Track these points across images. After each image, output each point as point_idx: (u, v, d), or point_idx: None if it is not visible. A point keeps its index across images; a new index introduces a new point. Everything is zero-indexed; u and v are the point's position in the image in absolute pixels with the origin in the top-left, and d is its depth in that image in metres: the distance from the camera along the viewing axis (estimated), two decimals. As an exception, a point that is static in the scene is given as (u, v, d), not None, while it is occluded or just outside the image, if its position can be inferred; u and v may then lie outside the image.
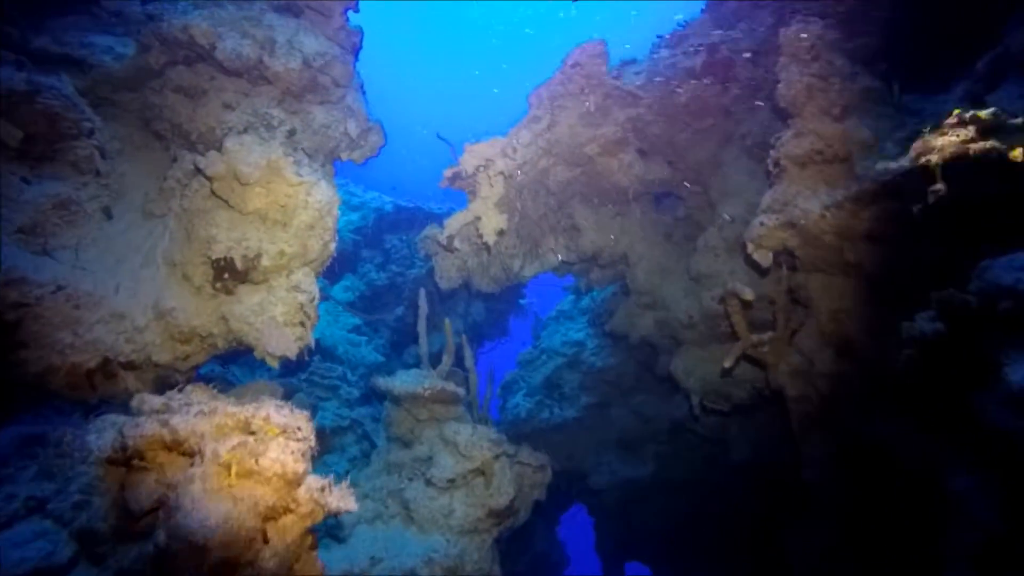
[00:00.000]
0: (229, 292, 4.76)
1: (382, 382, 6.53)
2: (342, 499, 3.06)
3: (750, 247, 5.50)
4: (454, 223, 6.99)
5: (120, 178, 5.33)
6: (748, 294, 5.43)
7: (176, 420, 3.05)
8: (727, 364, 5.78)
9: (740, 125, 7.32)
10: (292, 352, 4.71)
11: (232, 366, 9.32)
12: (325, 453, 8.51)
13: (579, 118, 7.01)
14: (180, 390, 3.77)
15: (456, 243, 7.11)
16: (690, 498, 10.18)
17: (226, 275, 4.64)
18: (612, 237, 8.13)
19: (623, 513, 10.86)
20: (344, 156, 6.41)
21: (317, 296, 4.95)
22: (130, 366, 4.63)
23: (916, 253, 4.51)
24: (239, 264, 4.61)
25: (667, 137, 7.50)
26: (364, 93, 6.80)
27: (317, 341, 10.94)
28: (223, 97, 5.40)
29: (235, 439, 2.80)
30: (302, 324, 4.79)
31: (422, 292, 7.02)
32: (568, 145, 7.11)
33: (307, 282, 4.89)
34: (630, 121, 7.14)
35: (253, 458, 2.71)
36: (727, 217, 7.30)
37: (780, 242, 5.28)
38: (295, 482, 2.81)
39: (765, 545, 8.60)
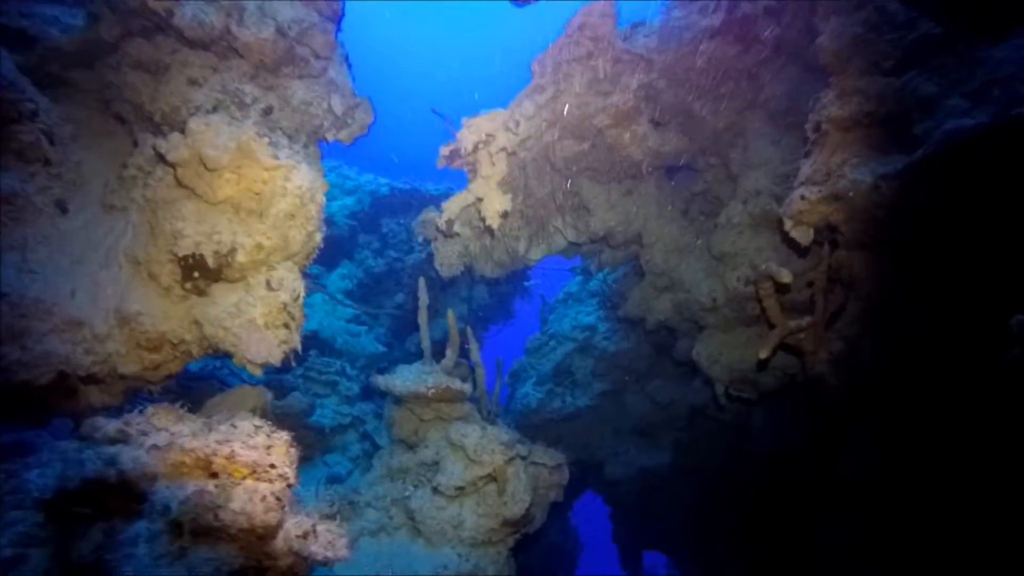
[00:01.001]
0: (201, 293, 4.19)
1: (382, 381, 5.99)
2: (330, 546, 2.53)
3: (788, 223, 4.90)
4: (453, 205, 6.40)
5: (76, 167, 4.73)
6: (785, 276, 4.85)
7: (124, 458, 2.51)
8: (763, 355, 5.21)
9: (763, 89, 6.67)
10: (275, 358, 4.16)
11: (229, 360, 8.82)
12: (326, 452, 8.04)
13: (587, 86, 6.36)
14: (141, 411, 3.23)
15: (456, 227, 6.52)
16: (710, 487, 9.70)
17: (196, 274, 4.07)
18: (624, 215, 7.53)
19: (640, 503, 10.41)
20: (330, 136, 5.79)
21: (302, 293, 4.38)
22: (92, 380, 4.08)
23: (991, 232, 3.91)
24: (210, 261, 4.04)
25: (682, 105, 6.86)
26: (350, 66, 6.16)
27: (314, 333, 10.44)
28: (188, 72, 4.78)
29: (191, 486, 2.26)
30: (286, 326, 4.23)
31: (421, 281, 6.45)
32: (575, 116, 6.48)
33: (290, 278, 4.31)
34: (642, 88, 6.50)
35: (211, 512, 2.16)
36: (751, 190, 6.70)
37: (823, 217, 4.67)
38: (268, 535, 2.28)
39: (789, 539, 8.17)
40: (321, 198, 4.52)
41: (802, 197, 4.66)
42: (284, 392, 7.64)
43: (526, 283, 12.97)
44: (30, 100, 4.29)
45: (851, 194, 4.34)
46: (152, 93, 4.80)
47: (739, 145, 7.00)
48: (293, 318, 4.26)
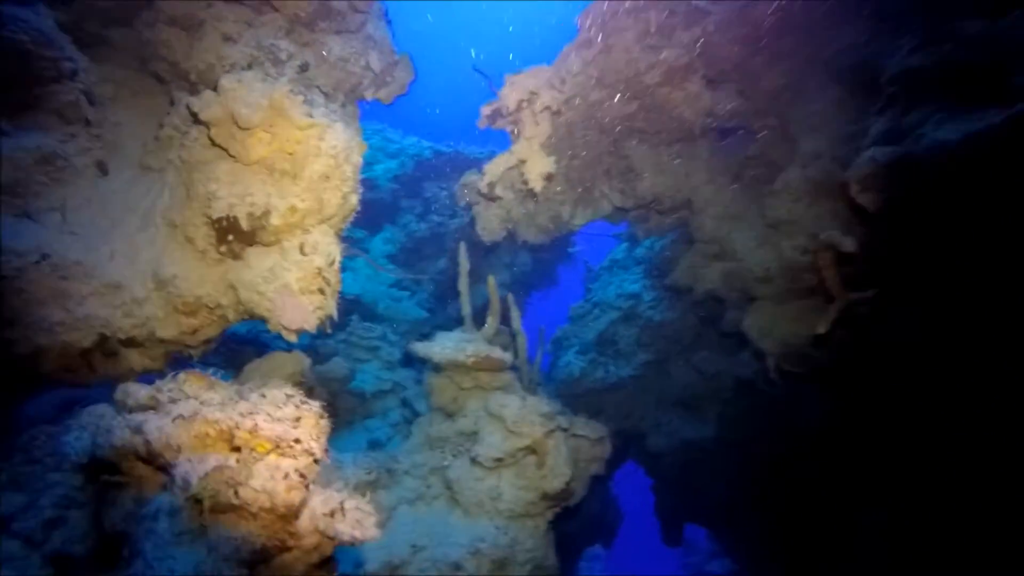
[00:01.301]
0: (236, 256, 4.12)
1: (421, 348, 5.90)
2: (358, 525, 2.41)
3: (854, 188, 4.49)
4: (495, 168, 6.16)
5: (115, 128, 4.69)
6: (848, 245, 4.48)
7: (150, 427, 2.44)
8: (821, 329, 4.88)
9: (829, 44, 6.14)
10: (311, 324, 4.07)
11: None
12: (367, 417, 8.08)
13: (637, 40, 5.97)
14: (174, 377, 3.18)
15: (498, 190, 6.29)
16: (754, 462, 9.42)
17: (230, 237, 3.99)
18: (674, 180, 7.15)
19: (682, 475, 10.21)
20: (369, 95, 5.60)
21: (338, 258, 4.26)
22: (131, 343, 4.08)
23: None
24: (244, 224, 3.94)
25: (738, 61, 6.39)
26: (390, 22, 5.93)
27: (357, 297, 10.46)
28: (222, 28, 4.63)
29: (212, 461, 2.17)
30: (321, 291, 4.12)
31: (462, 246, 6.28)
32: (624, 73, 6.11)
33: (325, 242, 4.19)
34: (697, 43, 6.06)
35: (231, 489, 2.07)
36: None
37: (896, 182, 4.25)
38: (291, 515, 2.18)
39: (829, 517, 7.91)
40: (358, 159, 4.35)
41: (873, 159, 4.24)
42: (326, 357, 7.67)
43: (570, 249, 12.70)
44: (70, 59, 4.23)
45: (932, 155, 3.90)
46: (187, 50, 4.69)
47: (799, 105, 6.50)
48: (329, 283, 4.15)
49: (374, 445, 7.23)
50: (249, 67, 4.63)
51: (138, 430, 2.44)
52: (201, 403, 2.75)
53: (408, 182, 12.37)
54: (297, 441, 2.32)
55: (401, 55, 5.82)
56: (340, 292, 10.11)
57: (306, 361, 5.14)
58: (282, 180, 4.06)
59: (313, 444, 2.51)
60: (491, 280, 6.28)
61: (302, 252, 4.08)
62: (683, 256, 7.87)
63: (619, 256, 11.26)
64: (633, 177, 7.29)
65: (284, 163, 4.02)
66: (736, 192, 7.27)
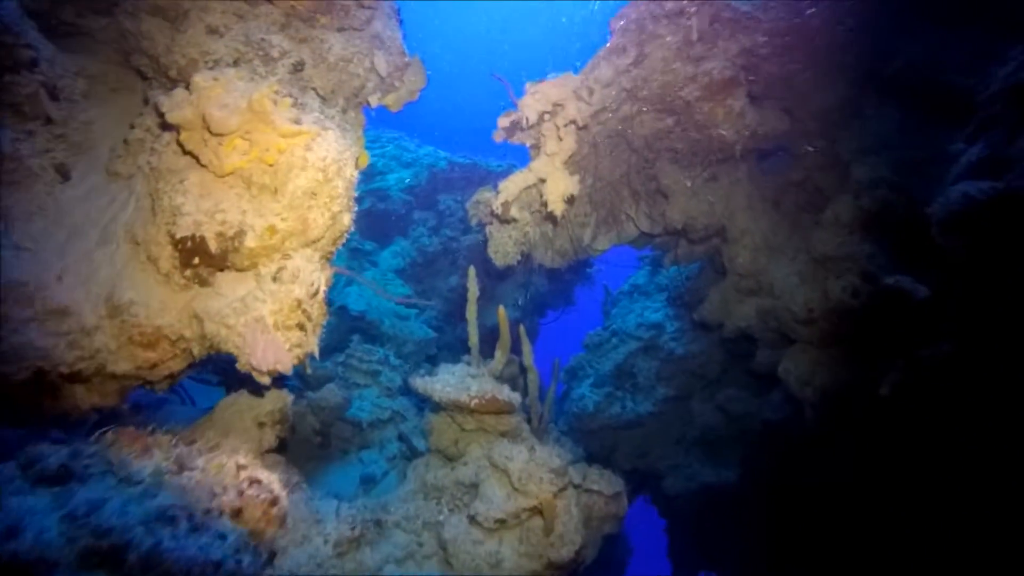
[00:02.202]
0: (204, 283, 3.53)
1: (421, 384, 5.27)
2: None
3: (938, 229, 3.81)
4: (511, 186, 5.54)
5: (85, 128, 4.14)
6: (921, 293, 3.79)
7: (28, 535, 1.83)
8: (884, 391, 4.19)
9: (891, 58, 5.49)
10: (286, 365, 3.46)
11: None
12: (363, 448, 7.47)
13: (676, 50, 5.35)
14: (100, 436, 2.59)
15: (513, 211, 5.67)
16: (781, 514, 8.67)
17: (196, 260, 3.40)
18: (707, 205, 6.49)
19: (700, 521, 9.48)
20: (374, 101, 5.03)
21: (323, 288, 3.66)
22: (77, 378, 3.50)
23: None
24: (212, 245, 3.35)
25: (785, 76, 5.75)
26: (402, 22, 5.37)
27: (361, 314, 9.89)
28: (208, 19, 4.08)
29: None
30: (300, 327, 3.51)
31: (471, 272, 5.66)
32: (660, 85, 5.48)
33: (308, 269, 3.59)
34: (743, 54, 5.43)
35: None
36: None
37: (994, 224, 3.57)
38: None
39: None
40: (352, 173, 3.75)
41: (966, 195, 3.56)
42: (321, 382, 7.08)
43: (588, 269, 12.07)
44: (28, 46, 3.68)
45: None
46: (168, 43, 4.14)
47: (853, 126, 5.85)
48: (310, 318, 3.55)
49: (367, 481, 6.62)
50: (235, 64, 4.08)
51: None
52: (120, 480, 2.16)
53: (422, 193, 11.85)
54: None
55: (412, 57, 5.25)
56: (345, 309, 9.55)
57: (287, 398, 4.54)
58: (261, 195, 3.47)
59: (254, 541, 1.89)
60: (501, 311, 5.65)
61: (280, 280, 3.48)
62: (713, 288, 7.19)
63: (640, 281, 10.60)
64: (662, 200, 6.66)
65: (264, 176, 3.44)
66: (776, 221, 6.61)
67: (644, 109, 5.69)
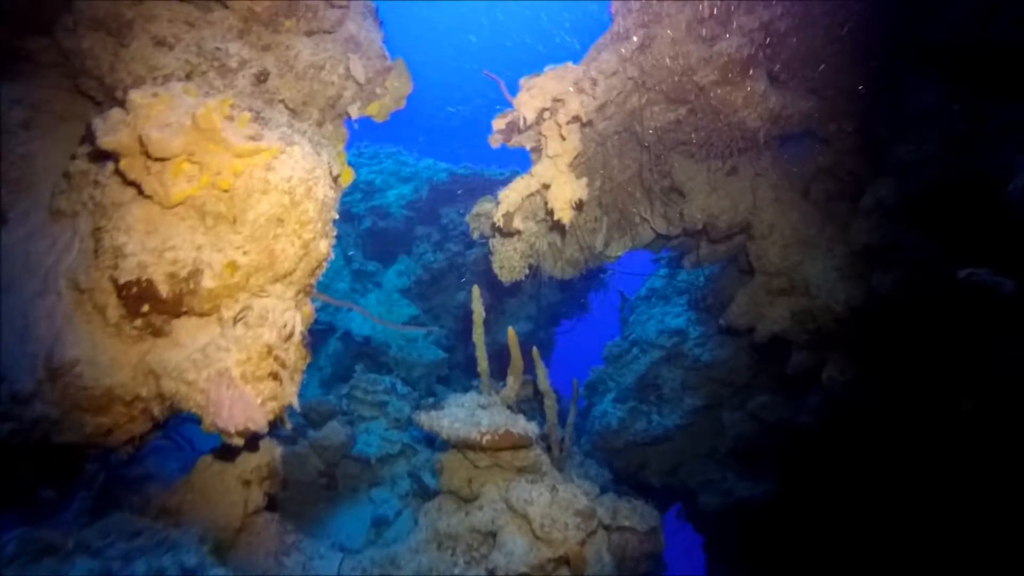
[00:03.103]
0: (158, 332, 3.02)
1: (426, 420, 4.74)
2: None
3: (1017, 214, 3.24)
4: (512, 195, 5.00)
5: (23, 162, 3.68)
6: (1007, 288, 3.21)
7: None
8: (965, 406, 3.59)
9: (930, 20, 4.90)
10: (259, 424, 2.93)
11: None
12: (372, 486, 6.93)
13: (686, 31, 4.80)
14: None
15: (517, 222, 5.14)
16: (823, 526, 8.02)
17: (145, 307, 2.89)
18: (729, 200, 5.93)
19: (739, 539, 8.83)
20: (354, 112, 4.52)
21: (298, 328, 3.13)
22: (14, 454, 3.00)
23: None
24: (163, 289, 2.84)
25: (809, 52, 5.19)
26: (382, 23, 4.87)
27: (367, 339, 9.38)
28: (154, 29, 3.60)
29: None
30: (273, 376, 2.99)
31: (475, 291, 5.13)
32: (670, 72, 4.93)
33: (280, 308, 3.07)
34: (761, 30, 4.87)
35: None
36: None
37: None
38: None
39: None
40: (325, 193, 3.23)
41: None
42: (323, 418, 6.57)
43: (602, 274, 11.49)
44: (-53, 74, 3.23)
45: None
46: (112, 60, 3.66)
47: (892, 101, 5.25)
48: (284, 365, 3.02)
49: (379, 523, 6.08)
50: (188, 78, 3.59)
51: None
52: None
53: (423, 208, 11.36)
54: None
55: (395, 60, 4.74)
56: (349, 334, 9.01)
57: (275, 450, 4.02)
58: (217, 227, 2.96)
59: None
60: (511, 332, 5.11)
61: (247, 324, 2.96)
62: (740, 290, 6.59)
63: (658, 285, 10.00)
64: (679, 199, 6.10)
65: (218, 204, 2.92)
66: (806, 212, 6.02)
67: (654, 99, 5.14)
